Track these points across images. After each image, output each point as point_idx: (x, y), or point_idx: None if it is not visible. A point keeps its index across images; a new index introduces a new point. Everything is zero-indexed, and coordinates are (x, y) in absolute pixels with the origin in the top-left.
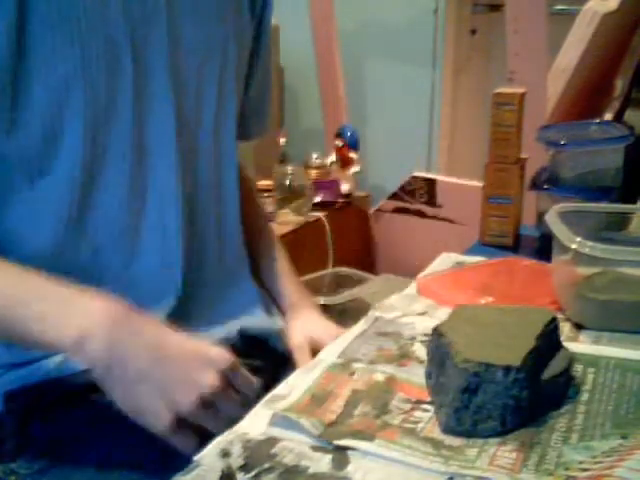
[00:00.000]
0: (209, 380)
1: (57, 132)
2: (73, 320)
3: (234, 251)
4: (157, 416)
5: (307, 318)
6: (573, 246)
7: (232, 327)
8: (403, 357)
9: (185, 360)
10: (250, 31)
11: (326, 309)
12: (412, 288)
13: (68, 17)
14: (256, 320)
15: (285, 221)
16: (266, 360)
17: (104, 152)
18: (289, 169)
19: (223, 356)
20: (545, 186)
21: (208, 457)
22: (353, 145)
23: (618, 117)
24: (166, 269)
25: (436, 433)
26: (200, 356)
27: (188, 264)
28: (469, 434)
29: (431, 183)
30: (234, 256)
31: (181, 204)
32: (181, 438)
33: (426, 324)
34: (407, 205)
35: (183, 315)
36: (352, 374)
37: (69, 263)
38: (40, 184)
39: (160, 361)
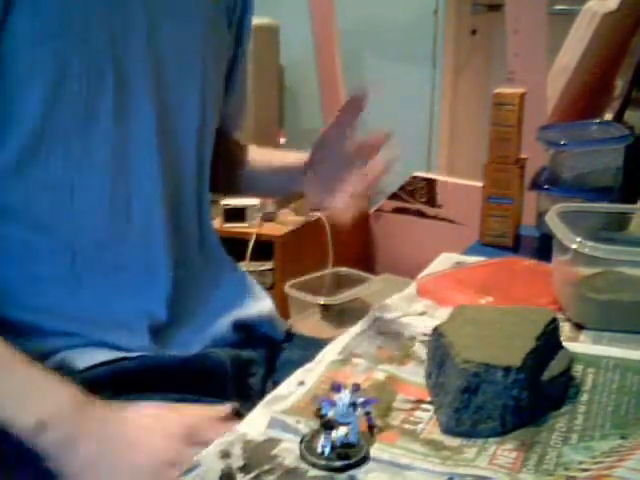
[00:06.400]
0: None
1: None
2: (32, 405)
3: (215, 248)
4: None
5: None
6: (573, 246)
7: (225, 323)
8: (403, 357)
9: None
10: (228, 37)
11: (326, 309)
12: (412, 288)
13: (51, 33)
14: (246, 310)
15: (285, 221)
16: (261, 350)
17: (83, 166)
18: None
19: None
20: (545, 186)
21: (208, 458)
22: None
23: (618, 117)
24: (151, 275)
25: (436, 433)
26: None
27: (175, 268)
28: (469, 434)
29: (431, 183)
30: (216, 252)
31: (165, 212)
32: None
33: (426, 324)
34: (407, 205)
35: (173, 323)
36: (353, 367)
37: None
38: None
39: (109, 454)
